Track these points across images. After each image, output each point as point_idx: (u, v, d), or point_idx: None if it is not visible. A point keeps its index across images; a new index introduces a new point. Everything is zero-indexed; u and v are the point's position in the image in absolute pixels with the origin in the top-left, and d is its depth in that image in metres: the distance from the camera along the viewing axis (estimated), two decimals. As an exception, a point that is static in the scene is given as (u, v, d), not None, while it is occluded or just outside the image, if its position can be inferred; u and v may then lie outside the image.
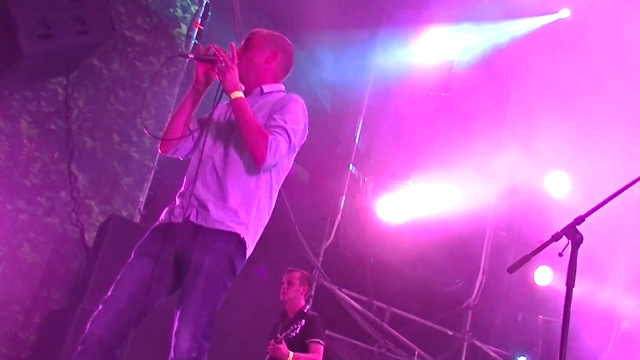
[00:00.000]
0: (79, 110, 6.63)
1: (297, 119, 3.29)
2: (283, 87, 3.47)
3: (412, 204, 8.33)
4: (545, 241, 3.12)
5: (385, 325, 8.17)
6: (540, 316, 8.06)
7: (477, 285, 8.32)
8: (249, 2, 7.47)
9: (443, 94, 8.57)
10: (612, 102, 8.02)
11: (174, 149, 3.39)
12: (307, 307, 5.38)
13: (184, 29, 7.19)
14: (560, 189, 8.29)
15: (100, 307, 3.12)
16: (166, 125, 3.43)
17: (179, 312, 3.07)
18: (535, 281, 8.08)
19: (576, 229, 3.10)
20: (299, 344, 5.14)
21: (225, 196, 3.18)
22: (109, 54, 6.75)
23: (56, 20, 5.77)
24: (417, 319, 8.31)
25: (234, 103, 3.19)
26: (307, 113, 3.36)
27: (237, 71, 3.23)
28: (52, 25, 5.75)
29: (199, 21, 7.20)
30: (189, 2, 7.24)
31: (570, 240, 3.08)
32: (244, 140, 3.18)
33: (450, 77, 8.52)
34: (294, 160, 3.42)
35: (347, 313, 7.93)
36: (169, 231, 3.19)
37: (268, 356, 5.20)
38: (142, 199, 6.84)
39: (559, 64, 7.98)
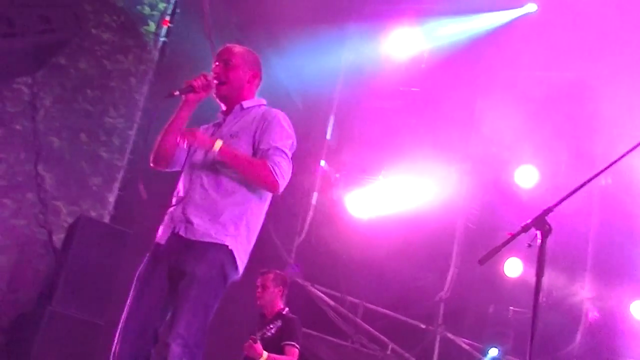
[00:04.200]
0: (46, 110, 6.53)
1: (285, 134, 3.37)
2: (264, 101, 3.55)
3: (384, 199, 8.37)
4: (514, 232, 3.15)
5: (358, 320, 8.19)
6: (511, 307, 8.14)
7: (448, 279, 8.38)
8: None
9: (413, 89, 8.61)
10: (578, 97, 8.14)
11: (166, 163, 3.46)
12: (286, 309, 5.30)
13: (152, 26, 7.12)
14: (529, 181, 8.38)
15: (118, 339, 3.23)
16: (157, 140, 3.45)
17: (171, 320, 3.15)
18: (506, 273, 8.16)
19: (545, 220, 3.14)
20: (275, 345, 5.11)
21: (215, 212, 3.25)
22: (76, 53, 6.66)
23: (20, 19, 5.69)
24: (390, 313, 8.35)
25: (219, 156, 3.25)
26: (291, 124, 3.44)
27: (199, 131, 3.31)
28: (16, 23, 5.67)
29: (168, 18, 7.14)
30: (156, -1, 7.19)
31: (539, 231, 3.12)
32: (248, 180, 3.29)
33: (420, 72, 8.56)
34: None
35: (320, 309, 7.94)
36: (160, 251, 3.28)
37: (243, 356, 5.18)
38: (112, 199, 6.77)
39: (527, 58, 8.08)
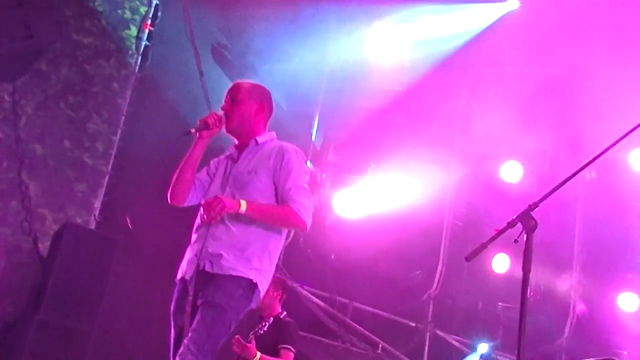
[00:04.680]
0: (28, 117, 6.48)
1: (302, 171, 3.58)
2: (274, 135, 3.75)
3: (370, 198, 8.37)
4: (500, 229, 3.16)
5: (348, 320, 8.19)
6: (500, 303, 8.17)
7: (437, 276, 8.40)
8: (200, 2, 7.40)
9: (397, 88, 8.62)
10: (562, 91, 8.19)
11: (183, 199, 3.64)
12: (284, 313, 5.30)
13: (133, 30, 7.09)
14: (514, 177, 8.42)
15: None
16: (174, 177, 3.62)
17: (185, 339, 3.31)
18: (494, 269, 8.19)
19: (530, 215, 3.15)
20: (269, 347, 5.10)
21: (240, 246, 3.43)
22: (57, 59, 6.62)
23: (-1, 25, 5.63)
24: (379, 312, 8.35)
25: (247, 214, 3.41)
26: (302, 156, 3.65)
27: (226, 200, 3.40)
28: (-5, 30, 5.61)
29: (149, 22, 7.11)
30: (137, 3, 7.14)
31: (524, 227, 3.13)
32: (278, 226, 3.52)
33: (403, 72, 8.57)
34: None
35: (309, 310, 7.93)
36: (187, 286, 3.45)
37: (236, 357, 5.16)
38: (97, 204, 6.73)
39: (511, 54, 8.12)
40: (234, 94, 3.70)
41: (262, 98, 3.75)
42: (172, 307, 3.52)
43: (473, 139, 8.22)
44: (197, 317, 3.33)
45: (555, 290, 7.51)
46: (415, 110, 8.39)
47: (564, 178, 3.20)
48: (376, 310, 8.36)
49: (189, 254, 3.54)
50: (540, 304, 7.30)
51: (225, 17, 7.83)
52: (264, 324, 5.13)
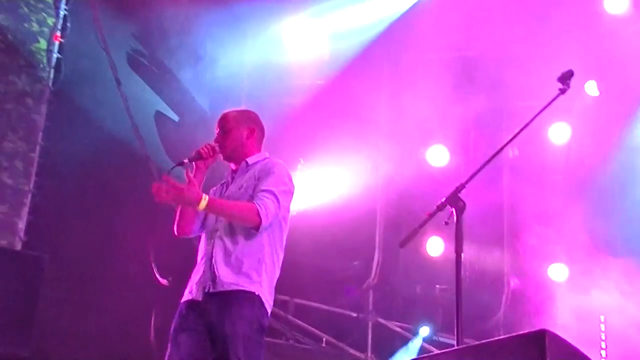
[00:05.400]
0: (-61, 140, 6.21)
1: (279, 180, 3.70)
2: (267, 154, 3.92)
3: (302, 192, 8.37)
4: (430, 212, 3.22)
5: (290, 316, 8.18)
6: (437, 285, 8.31)
7: (374, 265, 8.48)
8: (111, 9, 7.22)
9: (319, 82, 8.64)
10: (483, 74, 8.38)
11: (190, 231, 3.79)
12: None
13: (43, 43, 6.85)
14: (440, 161, 8.58)
15: None
16: (178, 210, 3.77)
17: None
18: (429, 252, 8.32)
19: (458, 197, 3.22)
20: None
21: (236, 263, 3.55)
22: (-35, 77, 6.36)
23: None
24: (320, 306, 8.38)
25: (208, 209, 3.54)
26: (290, 173, 3.82)
27: (186, 190, 3.48)
28: None
29: (59, 34, 6.89)
30: (44, 15, 6.89)
31: (454, 209, 3.20)
32: (236, 222, 3.61)
33: (324, 64, 8.59)
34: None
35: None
36: (196, 306, 3.57)
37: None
38: (22, 225, 6.50)
39: (429, 40, 8.25)
40: (223, 124, 3.87)
41: (250, 122, 3.92)
42: (173, 327, 3.61)
43: (398, 126, 8.31)
44: (231, 357, 3.41)
45: (489, 267, 7.69)
46: (339, 102, 8.43)
47: (486, 159, 3.28)
48: (317, 304, 8.38)
49: (196, 276, 3.66)
50: (476, 282, 7.47)
51: (139, 22, 7.67)
52: None
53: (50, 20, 6.90)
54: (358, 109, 8.16)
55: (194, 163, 3.74)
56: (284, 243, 3.82)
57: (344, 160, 7.99)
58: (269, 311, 3.63)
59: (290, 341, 8.05)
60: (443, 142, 8.58)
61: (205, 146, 3.76)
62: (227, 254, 3.58)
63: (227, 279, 3.52)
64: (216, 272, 3.54)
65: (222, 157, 3.86)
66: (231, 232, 3.62)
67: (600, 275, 6.97)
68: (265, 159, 3.88)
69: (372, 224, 8.58)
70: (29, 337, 5.57)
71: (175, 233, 3.81)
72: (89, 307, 6.55)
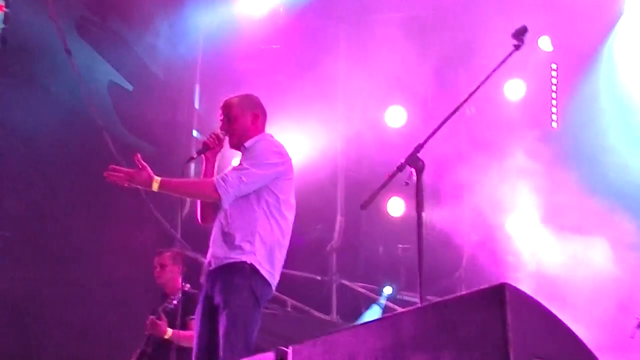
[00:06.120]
0: None
1: (260, 154, 3.74)
2: (265, 135, 3.95)
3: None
4: (390, 173, 3.23)
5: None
6: (400, 245, 8.41)
7: (337, 228, 8.53)
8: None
9: (274, 46, 8.54)
10: (437, 32, 8.37)
11: (213, 218, 3.82)
12: (187, 285, 5.26)
13: (-14, 14, 6.61)
14: (399, 122, 8.60)
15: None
16: (198, 201, 3.93)
17: (218, 353, 3.51)
18: (390, 213, 8.39)
19: (417, 157, 3.23)
20: (182, 321, 5.06)
21: (230, 238, 3.64)
22: None
23: None
24: (284, 270, 8.38)
25: (162, 190, 3.61)
26: (276, 143, 3.88)
27: (137, 176, 3.57)
28: None
29: (3, 3, 6.65)
30: (-14, -17, 6.65)
31: (413, 169, 3.21)
32: (195, 199, 3.85)
33: (278, 28, 8.49)
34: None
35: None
36: (204, 288, 3.76)
37: (147, 335, 5.09)
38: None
39: (386, 1, 8.20)
40: (227, 111, 3.89)
41: (254, 106, 3.94)
42: (197, 310, 3.76)
43: (356, 88, 8.29)
44: (219, 331, 3.52)
45: (449, 225, 7.78)
46: (296, 66, 8.36)
47: (443, 118, 3.29)
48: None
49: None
50: (437, 240, 7.56)
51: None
52: (171, 299, 5.10)
53: (-7, -10, 6.65)
54: (315, 71, 8.11)
55: (203, 155, 3.82)
56: (288, 211, 3.90)
57: (303, 123, 7.95)
58: (270, 280, 3.71)
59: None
60: (401, 103, 8.59)
61: (211, 136, 3.83)
62: (223, 232, 3.68)
63: (221, 254, 3.63)
64: (214, 252, 3.68)
65: (229, 145, 3.91)
66: (225, 212, 3.69)
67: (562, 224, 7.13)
68: (261, 139, 3.89)
69: (333, 187, 8.61)
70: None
71: (200, 222, 3.92)
72: (40, 286, 6.46)
